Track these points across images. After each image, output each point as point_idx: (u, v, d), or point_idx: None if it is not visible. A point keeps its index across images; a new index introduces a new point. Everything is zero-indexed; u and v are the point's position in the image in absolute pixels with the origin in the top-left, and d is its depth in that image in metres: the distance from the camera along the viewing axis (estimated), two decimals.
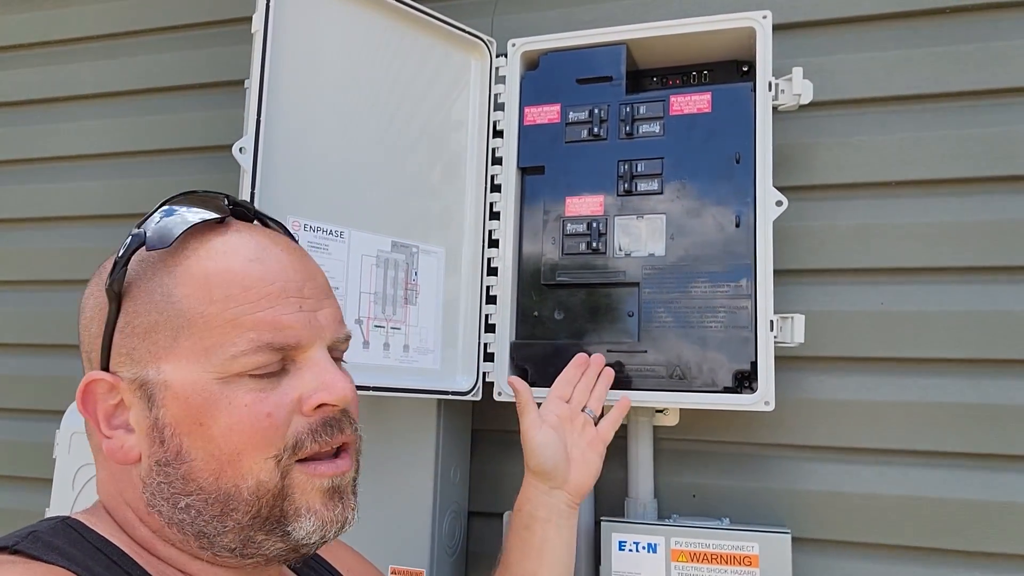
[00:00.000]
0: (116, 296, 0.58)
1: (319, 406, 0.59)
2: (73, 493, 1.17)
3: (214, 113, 1.47)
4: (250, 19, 0.96)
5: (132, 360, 0.58)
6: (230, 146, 0.92)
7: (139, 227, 0.59)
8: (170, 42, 1.54)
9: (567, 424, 0.97)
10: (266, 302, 0.58)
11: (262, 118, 0.93)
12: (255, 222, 0.67)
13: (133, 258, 0.59)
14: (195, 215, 0.59)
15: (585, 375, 1.02)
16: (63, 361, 1.54)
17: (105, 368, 0.58)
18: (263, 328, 0.57)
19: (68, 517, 0.59)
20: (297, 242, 0.68)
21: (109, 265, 0.60)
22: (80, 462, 1.19)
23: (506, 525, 1.11)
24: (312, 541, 0.59)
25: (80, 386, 0.58)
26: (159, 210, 0.60)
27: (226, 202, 0.63)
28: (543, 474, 0.92)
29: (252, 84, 0.94)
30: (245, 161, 0.91)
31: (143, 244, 0.58)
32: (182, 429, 0.56)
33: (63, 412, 1.23)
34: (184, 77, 1.52)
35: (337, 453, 0.62)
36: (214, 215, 0.61)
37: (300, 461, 0.58)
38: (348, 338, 0.65)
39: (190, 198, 0.61)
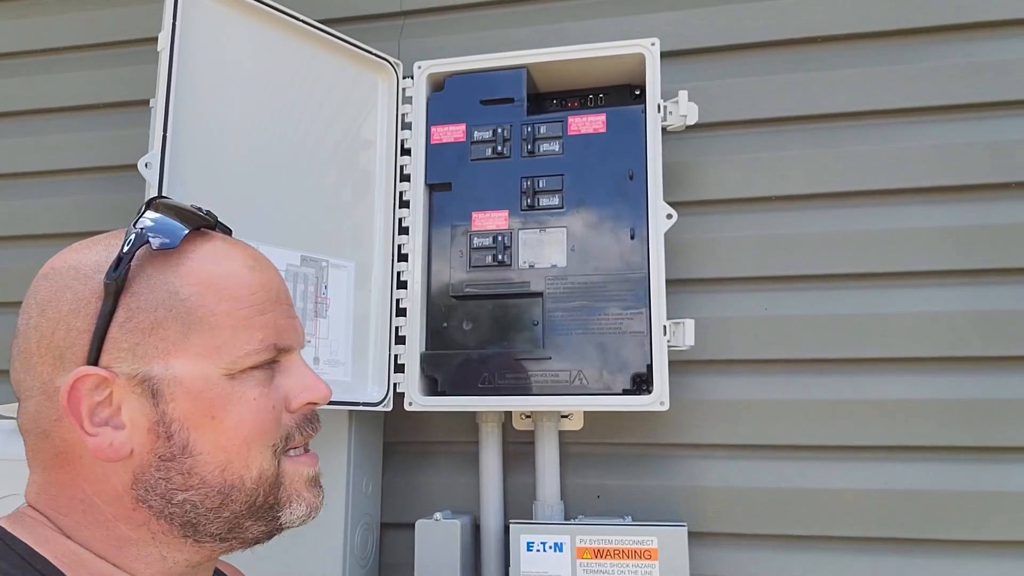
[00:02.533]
0: (116, 291, 0.58)
1: (306, 404, 0.65)
2: None
3: (119, 133, 1.46)
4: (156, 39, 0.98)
5: (135, 355, 0.58)
6: (136, 164, 0.93)
7: (135, 225, 0.60)
8: (72, 62, 1.53)
9: None
10: (267, 306, 0.63)
11: (168, 134, 0.94)
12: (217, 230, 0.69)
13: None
14: (181, 221, 0.62)
15: None
16: None
17: (92, 363, 0.58)
18: (268, 329, 0.62)
19: None
20: None
21: (87, 258, 0.60)
22: (3, 492, 1.14)
23: (418, 535, 1.13)
24: (295, 524, 0.65)
25: (68, 380, 0.56)
26: (147, 213, 0.61)
27: (203, 212, 0.66)
28: None
29: (158, 101, 0.95)
30: (151, 176, 0.92)
31: (146, 243, 0.59)
32: (191, 423, 0.58)
33: None
34: (86, 97, 1.51)
35: (306, 447, 0.68)
36: (202, 224, 0.64)
37: (287, 454, 0.64)
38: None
39: (168, 205, 0.63)
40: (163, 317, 0.59)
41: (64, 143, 1.50)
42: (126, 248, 0.59)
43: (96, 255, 0.60)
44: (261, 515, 0.62)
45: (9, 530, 0.56)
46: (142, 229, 0.60)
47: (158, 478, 0.58)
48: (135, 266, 0.59)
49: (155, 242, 0.59)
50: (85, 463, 0.58)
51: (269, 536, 0.64)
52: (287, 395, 0.64)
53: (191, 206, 0.65)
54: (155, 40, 0.98)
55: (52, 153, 1.51)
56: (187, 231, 0.61)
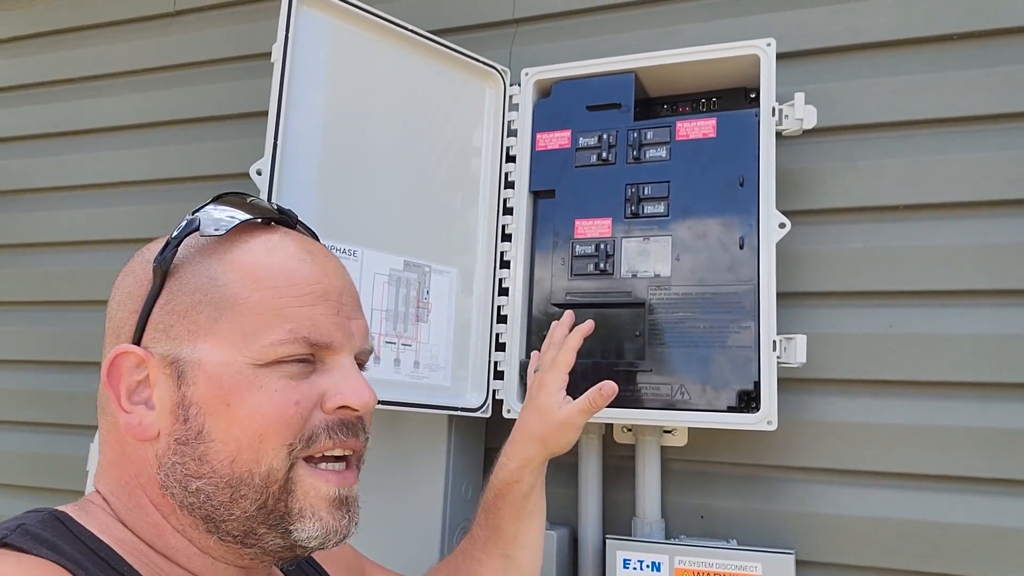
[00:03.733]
0: (163, 274, 0.60)
1: (341, 407, 0.61)
2: None
3: (239, 142, 1.54)
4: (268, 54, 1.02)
5: (168, 336, 0.59)
6: (247, 172, 0.98)
7: (193, 214, 0.62)
8: (197, 76, 1.63)
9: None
10: (308, 299, 0.61)
11: (279, 141, 0.98)
12: (297, 229, 0.70)
13: (185, 241, 0.62)
14: (245, 213, 0.64)
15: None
16: (94, 377, 1.60)
17: (136, 343, 0.60)
18: (302, 321, 0.60)
19: (56, 510, 0.58)
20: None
21: (155, 246, 0.63)
22: None
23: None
24: (311, 545, 0.60)
25: (108, 357, 0.59)
26: (212, 203, 0.64)
27: (274, 207, 0.67)
28: (558, 446, 0.91)
29: (271, 109, 0.99)
30: (261, 182, 0.96)
31: (196, 229, 0.61)
32: (207, 408, 0.58)
33: (95, 427, 1.28)
34: (208, 109, 1.60)
35: (345, 464, 0.63)
36: (264, 216, 0.65)
37: (307, 460, 0.60)
38: (371, 352, 0.68)
39: (241, 198, 0.65)
40: (199, 301, 0.60)
41: (175, 153, 1.61)
42: (175, 233, 0.61)
43: (160, 243, 0.63)
44: (274, 523, 0.59)
45: (75, 518, 0.58)
46: (195, 217, 0.62)
47: (174, 462, 0.58)
48: (185, 252, 0.61)
49: (205, 229, 0.61)
50: (128, 443, 0.61)
51: (291, 552, 0.61)
52: (324, 394, 0.61)
53: (258, 199, 0.66)
54: (266, 55, 1.02)
55: (162, 162, 1.61)
56: (239, 221, 0.62)
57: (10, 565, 0.50)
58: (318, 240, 0.72)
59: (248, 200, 0.65)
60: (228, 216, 0.62)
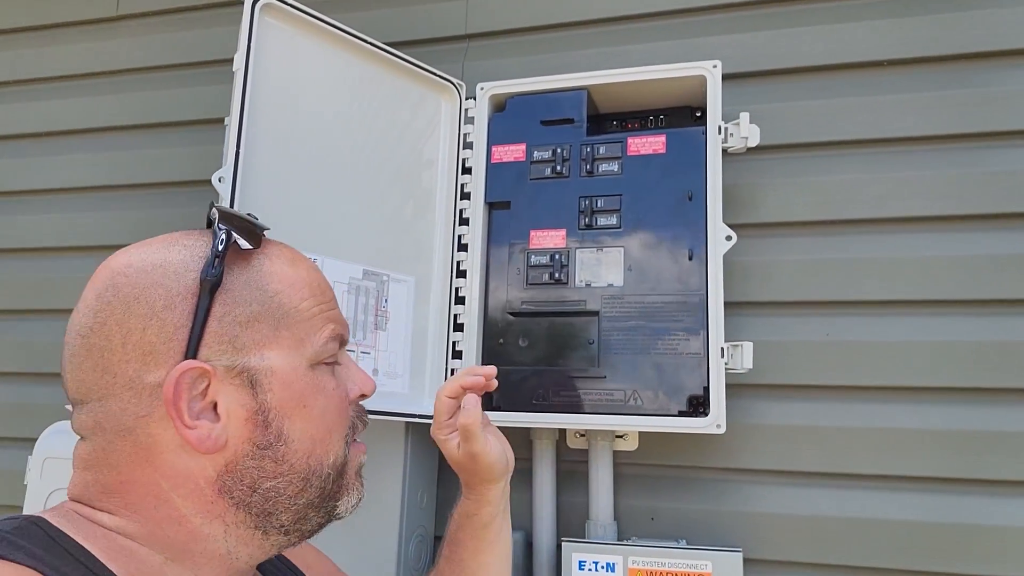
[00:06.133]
0: (211, 288, 0.60)
1: (359, 395, 0.70)
2: None
3: (195, 149, 1.53)
4: (231, 60, 1.02)
5: (234, 348, 0.60)
6: (209, 180, 0.98)
7: (221, 228, 0.63)
8: (155, 81, 1.61)
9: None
10: (330, 304, 0.68)
11: (241, 150, 0.98)
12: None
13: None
14: (242, 224, 0.65)
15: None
16: (32, 389, 1.56)
17: (192, 357, 0.59)
18: (336, 322, 0.68)
19: (32, 516, 0.57)
20: None
21: (171, 259, 0.61)
22: (52, 487, 1.20)
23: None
24: (347, 514, 0.68)
25: (173, 375, 0.57)
26: (222, 221, 0.64)
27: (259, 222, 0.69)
28: (500, 476, 0.89)
29: (232, 118, 0.99)
30: (224, 190, 0.96)
31: (234, 243, 0.63)
32: (285, 411, 0.62)
33: (33, 439, 1.24)
34: (167, 114, 1.58)
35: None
36: (261, 228, 0.67)
37: (349, 442, 0.68)
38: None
39: (228, 211, 0.66)
40: (257, 312, 0.62)
41: (140, 158, 1.58)
42: (220, 247, 0.61)
43: (179, 254, 0.62)
44: (323, 504, 0.65)
45: (55, 524, 0.57)
46: (229, 231, 0.63)
47: (251, 466, 0.61)
48: (225, 266, 0.62)
49: (242, 243, 0.64)
50: (166, 458, 0.59)
51: (321, 527, 0.67)
52: (347, 387, 0.69)
53: (247, 214, 0.68)
54: (228, 62, 1.02)
55: (126, 168, 1.58)
56: (261, 234, 0.66)
57: None
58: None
59: (240, 215, 0.66)
60: (251, 230, 0.65)
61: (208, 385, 0.59)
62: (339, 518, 0.68)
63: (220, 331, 0.60)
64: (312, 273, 0.69)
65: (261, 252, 0.66)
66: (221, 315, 0.60)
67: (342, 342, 0.69)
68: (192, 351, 0.59)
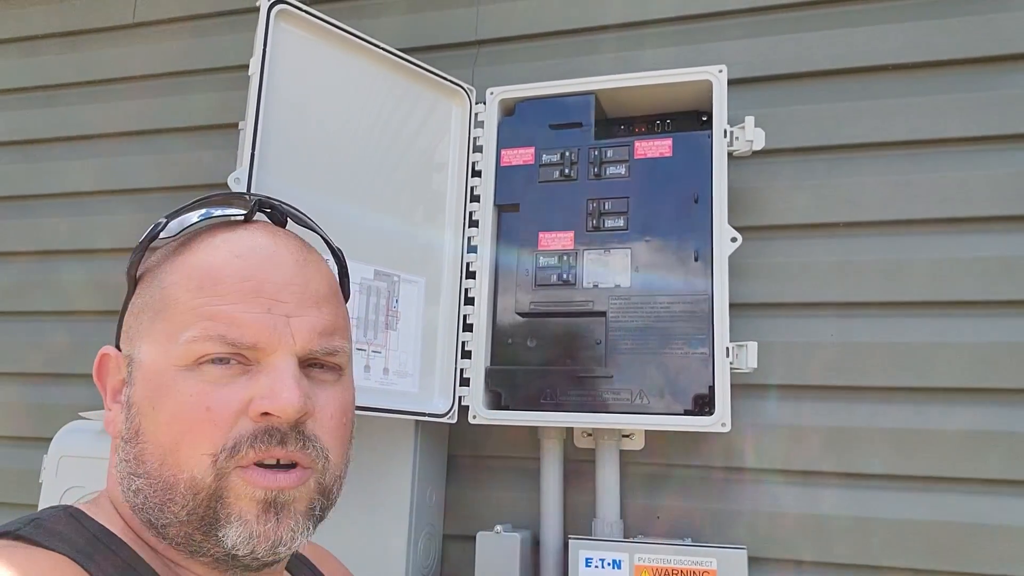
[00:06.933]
0: (132, 279, 0.63)
1: (264, 414, 0.56)
2: None
3: (211, 153, 1.56)
4: (247, 66, 1.05)
5: (128, 338, 0.62)
6: (225, 183, 1.00)
7: (165, 218, 0.63)
8: (172, 86, 1.64)
9: None
10: (233, 297, 0.57)
11: (255, 152, 1.01)
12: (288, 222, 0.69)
13: (152, 246, 0.63)
14: (216, 212, 0.63)
15: None
16: (49, 389, 1.58)
17: (117, 345, 0.63)
18: (220, 320, 0.56)
19: (70, 506, 0.59)
20: (334, 250, 0.72)
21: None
22: (67, 485, 1.21)
23: (479, 547, 1.15)
24: (244, 552, 0.55)
25: (96, 359, 0.63)
26: (190, 204, 0.64)
27: (256, 204, 0.65)
28: None
29: (248, 121, 1.02)
30: (239, 191, 0.98)
31: (157, 235, 0.62)
32: (141, 409, 0.58)
33: (49, 439, 1.26)
34: (182, 119, 1.61)
35: (291, 468, 0.58)
36: (233, 212, 0.64)
37: (242, 467, 0.56)
38: (330, 352, 0.61)
39: (224, 197, 0.65)
40: (146, 303, 0.61)
41: (157, 162, 1.61)
42: (141, 239, 0.62)
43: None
44: (207, 531, 0.56)
45: (89, 513, 0.58)
46: (161, 220, 0.62)
47: (121, 459, 0.59)
48: (151, 256, 0.64)
49: (162, 233, 0.62)
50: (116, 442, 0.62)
51: (235, 561, 0.57)
52: (252, 399, 0.56)
53: (243, 195, 0.66)
54: (244, 67, 1.05)
55: (143, 172, 1.61)
56: (193, 224, 0.62)
57: (20, 556, 0.51)
58: (316, 230, 0.69)
59: (231, 197, 0.65)
60: (188, 218, 0.62)
61: (125, 372, 0.61)
62: (236, 552, 0.55)
63: (127, 320, 0.63)
64: (226, 264, 0.59)
65: (196, 240, 0.61)
66: (131, 306, 0.63)
67: (235, 344, 0.56)
68: (116, 340, 0.63)
